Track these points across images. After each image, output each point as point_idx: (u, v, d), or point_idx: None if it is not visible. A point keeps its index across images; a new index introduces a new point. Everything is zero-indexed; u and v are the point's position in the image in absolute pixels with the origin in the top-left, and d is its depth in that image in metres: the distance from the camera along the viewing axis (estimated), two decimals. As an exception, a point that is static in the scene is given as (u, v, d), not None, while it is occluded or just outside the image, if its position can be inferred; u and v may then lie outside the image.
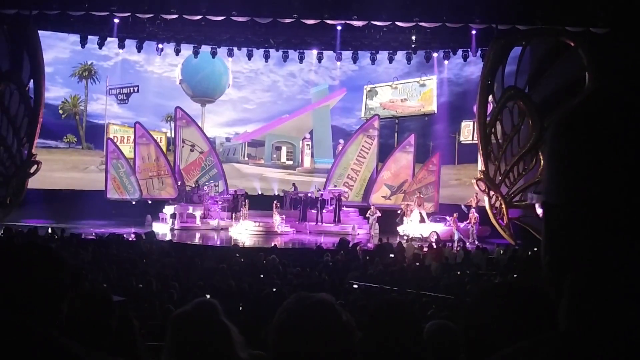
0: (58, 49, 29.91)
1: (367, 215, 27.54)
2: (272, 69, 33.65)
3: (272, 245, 21.14)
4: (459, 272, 16.28)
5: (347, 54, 31.18)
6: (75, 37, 29.87)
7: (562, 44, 25.23)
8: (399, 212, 27.33)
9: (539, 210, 0.99)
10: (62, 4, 25.13)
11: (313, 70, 33.67)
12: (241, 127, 34.91)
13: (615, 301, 0.88)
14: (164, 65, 33.14)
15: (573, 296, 0.93)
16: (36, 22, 26.10)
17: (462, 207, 26.17)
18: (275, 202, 28.29)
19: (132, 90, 32.89)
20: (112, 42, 29.96)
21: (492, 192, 25.62)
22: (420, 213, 26.50)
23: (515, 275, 15.09)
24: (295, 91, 34.73)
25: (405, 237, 24.86)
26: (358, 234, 26.40)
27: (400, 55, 30.67)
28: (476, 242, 24.02)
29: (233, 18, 26.04)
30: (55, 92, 30.03)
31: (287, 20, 26.16)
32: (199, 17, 26.44)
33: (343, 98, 34.22)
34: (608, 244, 0.88)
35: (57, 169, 29.79)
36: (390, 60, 30.92)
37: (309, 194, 28.51)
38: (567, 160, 0.92)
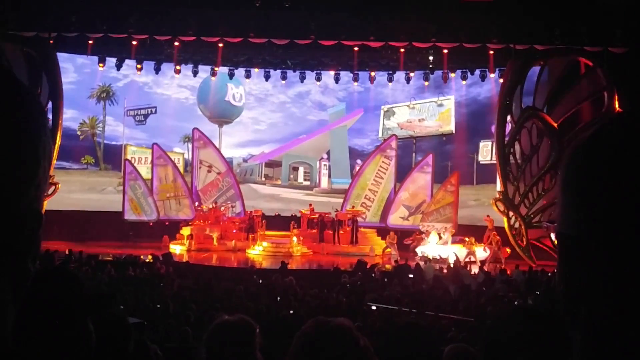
0: (62, 70, 29.73)
1: (387, 241, 27.13)
2: (280, 90, 33.99)
3: (280, 263, 20.90)
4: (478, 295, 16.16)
5: (351, 75, 31.41)
6: (82, 60, 30.31)
7: (580, 64, 25.21)
8: (412, 240, 27.14)
9: (555, 240, 0.99)
10: (80, 26, 25.36)
11: (320, 92, 34.01)
12: (253, 148, 35.18)
13: (629, 333, 0.87)
14: (173, 86, 33.42)
15: (588, 328, 0.92)
16: (55, 44, 26.45)
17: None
18: (292, 222, 28.33)
19: (149, 112, 33.20)
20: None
21: (511, 213, 25.50)
22: (440, 235, 26.39)
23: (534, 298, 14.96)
24: (305, 112, 35.05)
25: (424, 259, 24.68)
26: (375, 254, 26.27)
27: (410, 75, 30.81)
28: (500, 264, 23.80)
29: (250, 40, 26.22)
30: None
31: (304, 42, 26.29)
32: (216, 39, 26.66)
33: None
34: (624, 275, 0.87)
35: (75, 190, 30.00)
36: (407, 80, 31.07)
37: (326, 215, 28.43)
38: (582, 190, 0.92)
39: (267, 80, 31.96)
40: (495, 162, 26.93)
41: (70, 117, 30.86)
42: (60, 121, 26.80)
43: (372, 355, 2.00)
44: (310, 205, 29.31)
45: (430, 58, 29.03)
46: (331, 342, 1.95)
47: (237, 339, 2.88)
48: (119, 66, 30.08)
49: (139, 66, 30.40)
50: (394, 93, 33.14)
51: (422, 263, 22.43)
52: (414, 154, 33.00)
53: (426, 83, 31.20)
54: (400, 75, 30.93)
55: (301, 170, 35.22)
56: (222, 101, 34.12)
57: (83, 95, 31.55)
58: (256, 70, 31.43)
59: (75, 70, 30.97)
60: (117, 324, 3.29)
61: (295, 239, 26.76)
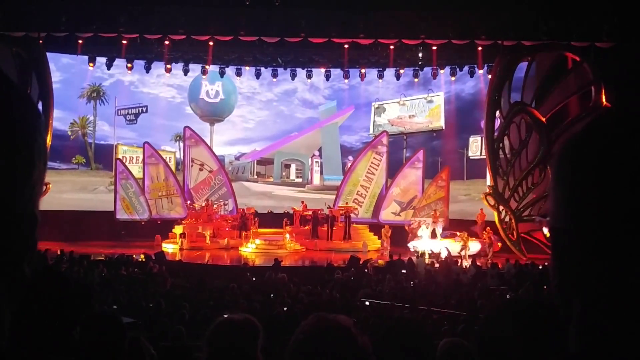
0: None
1: (382, 233, 27.21)
2: (267, 88, 33.94)
3: (274, 260, 20.88)
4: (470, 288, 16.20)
5: (337, 72, 31.42)
6: (67, 59, 30.13)
7: (567, 59, 25.30)
8: (407, 227, 27.29)
9: (547, 234, 1.00)
10: (70, 26, 25.20)
11: (307, 89, 33.98)
12: (243, 146, 34.99)
13: (624, 325, 0.88)
14: (159, 85, 33.19)
15: (582, 320, 0.93)
16: (44, 44, 26.29)
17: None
18: (285, 219, 28.29)
19: (140, 111, 33.02)
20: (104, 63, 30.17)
21: (501, 207, 25.58)
22: (434, 229, 26.41)
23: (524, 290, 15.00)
24: (292, 109, 34.95)
25: (416, 254, 24.67)
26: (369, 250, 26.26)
27: (400, 72, 30.82)
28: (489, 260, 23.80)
29: (241, 38, 26.15)
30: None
31: (295, 40, 26.26)
32: (207, 38, 26.57)
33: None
34: (616, 268, 0.89)
35: (66, 190, 29.78)
36: (397, 77, 31.11)
37: (319, 211, 28.39)
38: (575, 184, 0.93)
39: (257, 78, 31.93)
40: (485, 157, 27.03)
41: (56, 117, 30.09)
42: (50, 121, 26.67)
43: (370, 354, 2.02)
44: (303, 202, 29.31)
45: (420, 55, 29.09)
46: (330, 340, 1.96)
47: (241, 339, 2.89)
48: (109, 65, 29.91)
49: (129, 65, 30.30)
50: (380, 90, 33.17)
51: (414, 258, 22.46)
52: (404, 150, 33.01)
53: (416, 79, 31.27)
54: (389, 72, 30.91)
55: (293, 167, 35.17)
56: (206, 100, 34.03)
57: (67, 95, 30.91)
58: (247, 68, 31.36)
59: (58, 69, 30.24)
60: (111, 323, 3.29)
61: (288, 235, 26.70)
